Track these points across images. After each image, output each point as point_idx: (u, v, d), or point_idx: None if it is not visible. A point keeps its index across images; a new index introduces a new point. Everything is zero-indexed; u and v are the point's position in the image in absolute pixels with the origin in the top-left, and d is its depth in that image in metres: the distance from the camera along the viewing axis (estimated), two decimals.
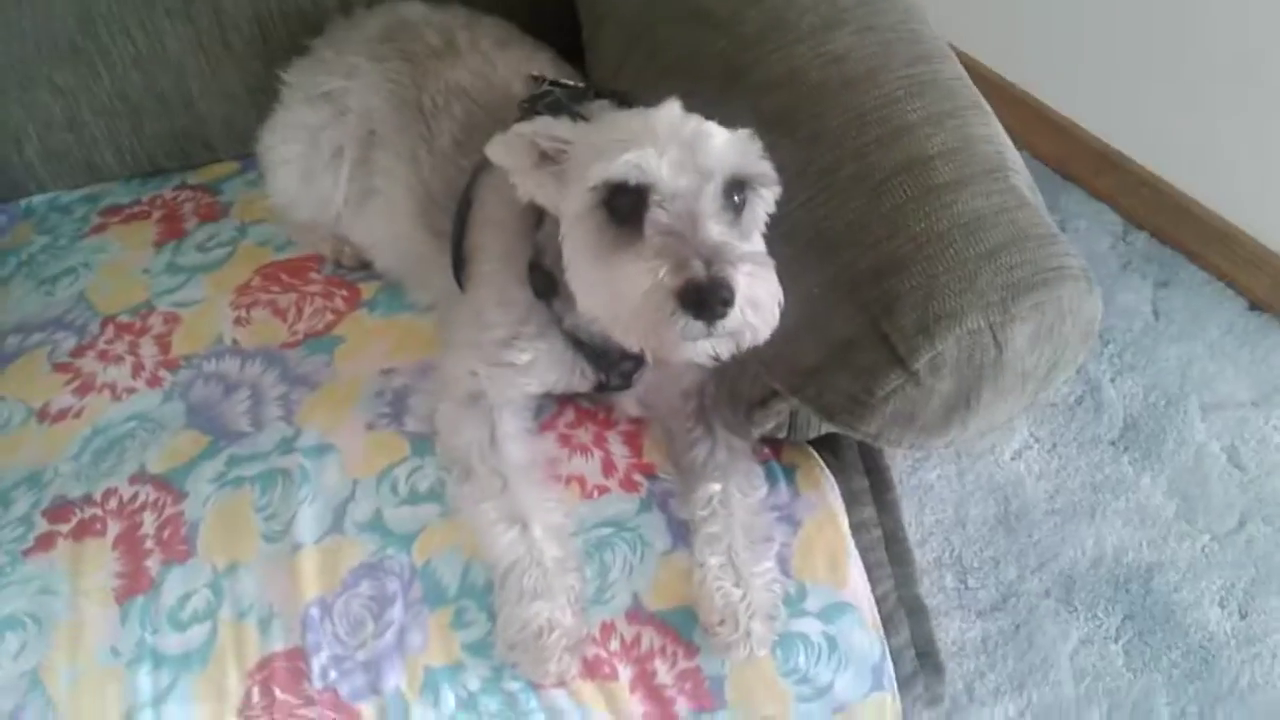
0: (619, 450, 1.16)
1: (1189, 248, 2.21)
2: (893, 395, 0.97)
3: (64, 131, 1.49)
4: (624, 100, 1.14)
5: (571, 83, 1.19)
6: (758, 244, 0.97)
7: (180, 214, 1.48)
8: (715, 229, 0.90)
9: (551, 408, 1.19)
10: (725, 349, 0.91)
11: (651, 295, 0.87)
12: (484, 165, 1.16)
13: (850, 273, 0.99)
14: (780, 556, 1.08)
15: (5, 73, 1.43)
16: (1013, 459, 1.91)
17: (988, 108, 1.10)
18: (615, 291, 0.91)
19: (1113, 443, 1.95)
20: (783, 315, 0.94)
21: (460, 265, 1.20)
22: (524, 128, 1.00)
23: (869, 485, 1.16)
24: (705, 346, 0.90)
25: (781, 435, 1.18)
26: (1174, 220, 2.20)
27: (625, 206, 0.92)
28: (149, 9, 1.42)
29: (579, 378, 1.14)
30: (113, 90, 1.46)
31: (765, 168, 0.96)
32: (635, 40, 1.25)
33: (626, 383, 1.14)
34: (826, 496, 1.12)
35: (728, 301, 0.86)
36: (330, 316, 1.30)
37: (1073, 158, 2.29)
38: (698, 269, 0.86)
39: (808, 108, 1.07)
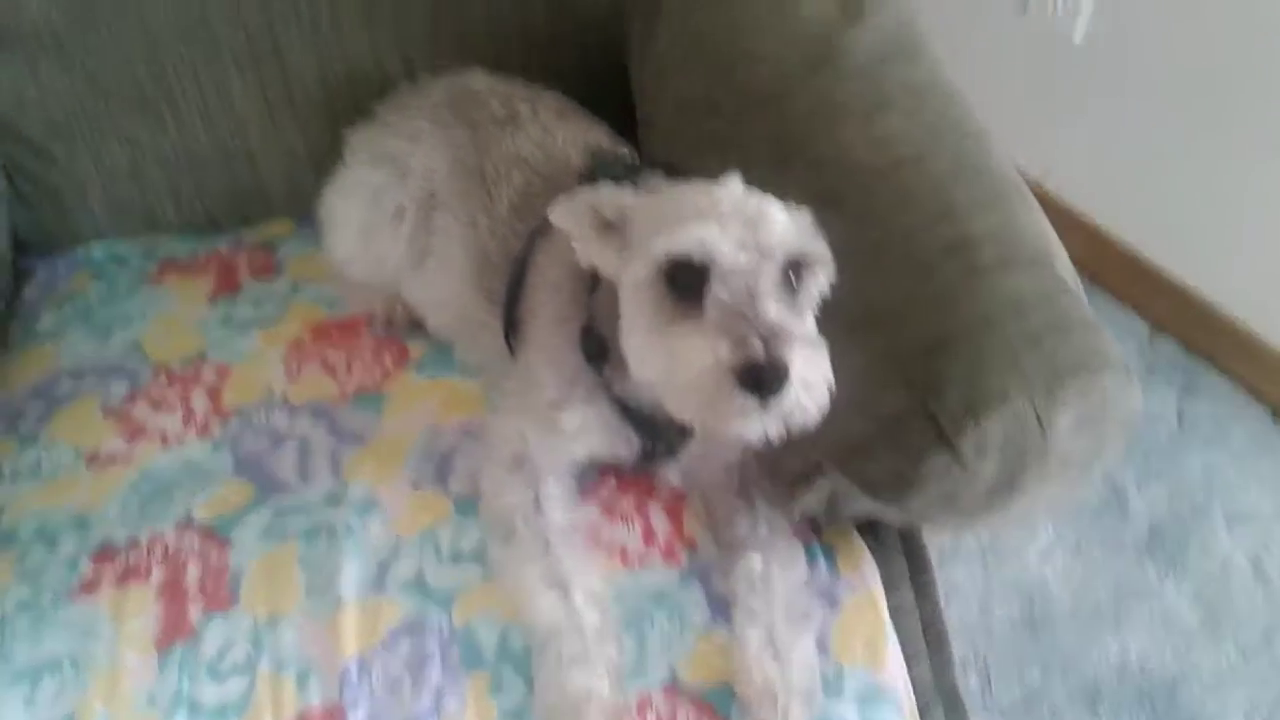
0: (660, 521, 1.16)
1: (1214, 356, 2.21)
2: (938, 474, 0.98)
3: (128, 182, 1.52)
4: (677, 174, 1.17)
5: (628, 155, 1.21)
6: (810, 323, 0.98)
7: (235, 269, 1.51)
8: (773, 308, 0.91)
9: (594, 475, 1.20)
10: (776, 428, 0.92)
11: (710, 371, 0.88)
12: (541, 231, 1.18)
13: (897, 350, 1.00)
14: (819, 636, 1.08)
15: (78, 120, 1.47)
16: (1038, 560, 1.90)
17: (1031, 195, 1.12)
18: (672, 363, 0.92)
19: (1138, 548, 1.93)
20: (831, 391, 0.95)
21: (512, 329, 1.21)
22: (588, 194, 1.03)
23: (908, 568, 1.16)
24: (757, 425, 0.91)
25: (821, 514, 1.19)
26: (1200, 328, 2.21)
27: (686, 280, 0.94)
28: (218, 62, 1.46)
29: (625, 445, 1.15)
30: (178, 142, 1.50)
31: (822, 249, 0.98)
32: (689, 117, 1.28)
33: (671, 453, 1.15)
34: (866, 578, 1.12)
35: (783, 382, 0.87)
36: (379, 374, 1.32)
37: (1100, 262, 2.30)
38: (756, 348, 0.87)
39: (856, 187, 1.10)
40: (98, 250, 1.58)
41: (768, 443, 0.97)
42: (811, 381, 0.90)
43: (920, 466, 0.98)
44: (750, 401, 0.87)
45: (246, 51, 1.48)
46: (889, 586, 1.12)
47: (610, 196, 1.03)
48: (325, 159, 1.44)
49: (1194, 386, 2.18)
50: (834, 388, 0.93)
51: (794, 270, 0.97)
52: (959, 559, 1.89)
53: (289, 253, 1.53)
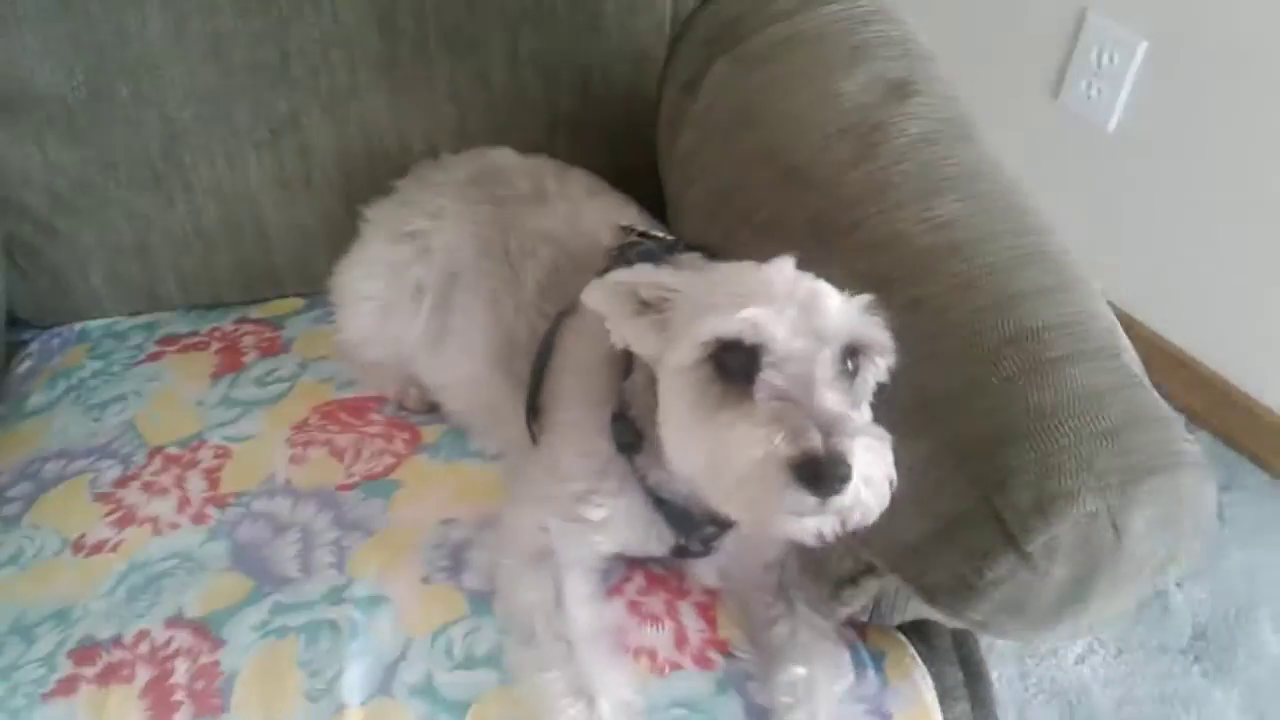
0: (692, 623, 1.07)
1: (1254, 451, 2.15)
2: (1004, 579, 0.89)
3: (132, 258, 1.46)
4: (714, 255, 1.11)
5: (661, 234, 1.15)
6: (867, 414, 0.91)
7: (240, 347, 1.43)
8: (831, 397, 0.84)
9: (620, 571, 1.11)
10: (832, 527, 0.84)
11: (763, 464, 0.81)
12: (568, 311, 1.12)
13: (958, 444, 0.93)
14: None
15: (84, 195, 1.41)
16: (1077, 663, 1.81)
17: (1094, 284, 1.06)
18: (718, 454, 0.85)
19: (1182, 651, 1.84)
20: None
21: (534, 414, 1.14)
22: (625, 274, 0.96)
23: (963, 679, 1.06)
24: (811, 524, 0.84)
25: (864, 618, 1.10)
26: (1239, 422, 2.15)
27: (735, 364, 0.87)
28: (236, 140, 1.40)
29: (656, 540, 1.07)
30: (187, 219, 1.44)
31: (883, 336, 0.91)
32: (726, 198, 1.23)
33: (706, 550, 1.07)
34: (919, 689, 1.03)
35: (845, 478, 0.80)
36: (390, 459, 1.24)
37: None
38: (815, 440, 0.80)
39: (910, 272, 1.03)
40: (95, 326, 1.50)
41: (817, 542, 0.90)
42: (873, 477, 0.83)
43: (985, 570, 0.90)
44: (806, 499, 0.80)
45: (264, 127, 1.42)
46: (943, 698, 1.03)
47: (649, 276, 0.97)
48: (339, 237, 1.38)
49: (1234, 482, 2.11)
50: (895, 483, 0.86)
51: (851, 358, 0.90)
52: (994, 658, 1.79)
53: (297, 330, 1.46)
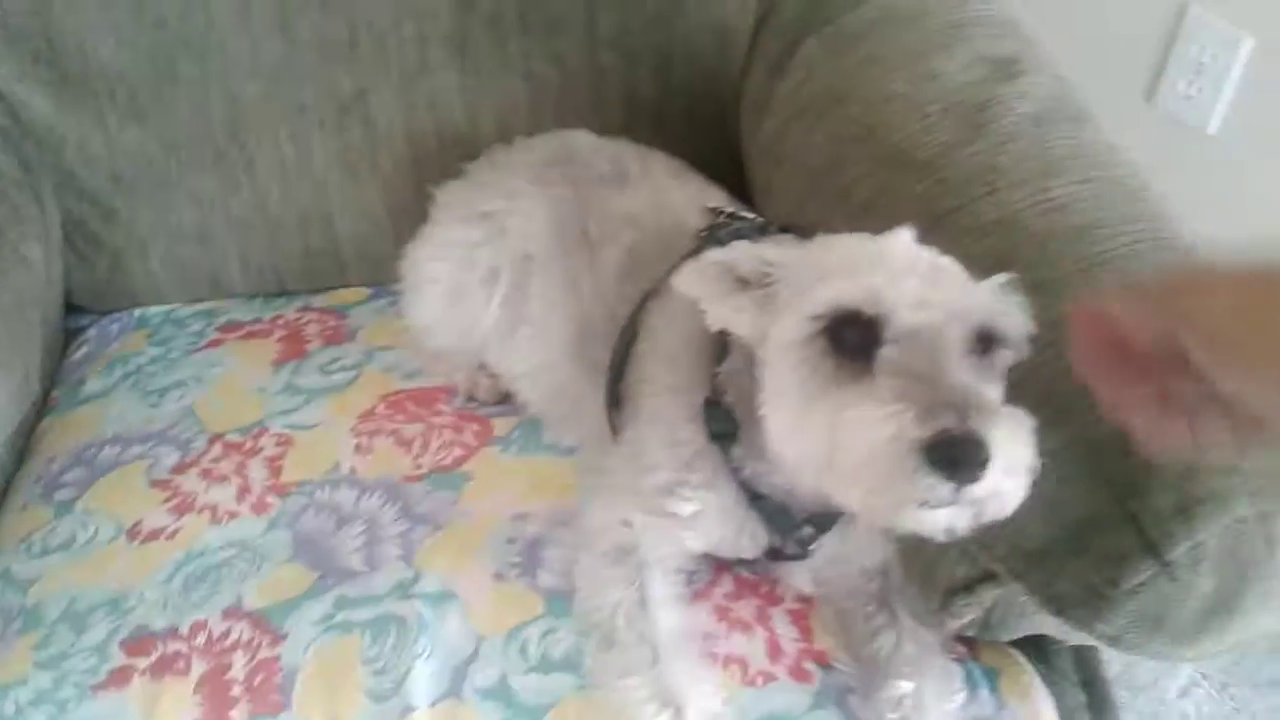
0: (786, 631, 0.99)
1: None
2: (1141, 589, 0.81)
3: (193, 242, 1.41)
4: (809, 237, 1.03)
5: (753, 216, 1.08)
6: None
7: (303, 335, 1.38)
8: (963, 374, 0.76)
9: (706, 575, 1.03)
10: (964, 522, 0.75)
11: (890, 447, 0.72)
12: (654, 294, 1.04)
13: (1089, 441, 0.84)
14: None
15: (145, 176, 1.37)
16: (1179, 696, 1.70)
17: None
18: (836, 437, 0.76)
19: None
20: None
21: (615, 404, 1.07)
22: (724, 251, 0.89)
23: (1086, 701, 0.97)
24: (943, 516, 0.74)
25: (972, 632, 1.01)
26: None
27: (852, 340, 0.78)
28: (301, 118, 1.35)
29: (748, 540, 0.99)
30: (251, 202, 1.39)
31: (1019, 321, 0.81)
32: (819, 181, 1.16)
33: (802, 553, 0.98)
34: (1039, 710, 0.94)
35: (985, 463, 0.71)
36: (459, 451, 1.17)
37: None
38: (950, 420, 0.71)
39: (1027, 255, 0.95)
40: (154, 312, 1.46)
41: (917, 541, 0.81)
42: (1014, 463, 0.74)
43: (1120, 579, 0.81)
44: (940, 486, 0.71)
45: (332, 108, 1.37)
46: None
47: (750, 251, 0.89)
48: (407, 223, 1.32)
49: None
50: (1037, 467, 0.77)
51: (982, 343, 0.80)
52: None
53: (362, 319, 1.40)
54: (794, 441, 0.82)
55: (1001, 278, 0.82)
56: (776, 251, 0.87)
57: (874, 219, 1.05)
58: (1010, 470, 0.73)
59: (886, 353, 0.77)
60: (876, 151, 1.10)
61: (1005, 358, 0.82)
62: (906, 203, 1.05)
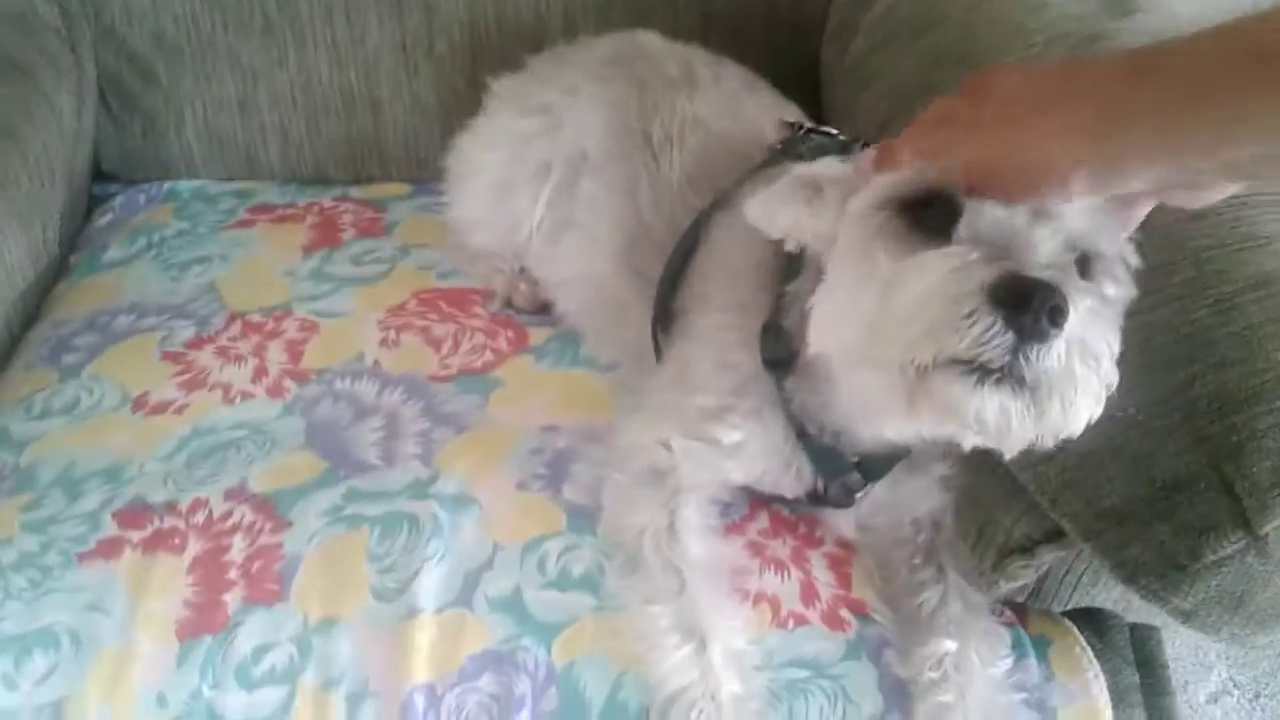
0: (823, 576, 0.92)
1: None
2: (1226, 563, 0.73)
3: (233, 116, 1.35)
4: None
5: (835, 131, 1.00)
6: None
7: (338, 224, 1.31)
8: (1049, 250, 0.67)
9: (743, 509, 0.96)
10: (1019, 417, 0.65)
11: (951, 282, 0.63)
12: (720, 205, 0.97)
13: (1186, 397, 0.76)
14: None
15: (190, 38, 1.31)
16: (1208, 702, 1.63)
17: None
18: (890, 291, 0.67)
19: None
20: (1084, 434, 0.71)
21: (664, 321, 0.99)
22: (810, 167, 0.81)
23: (1140, 682, 0.90)
24: (994, 401, 0.64)
25: (1021, 599, 0.94)
26: None
27: (931, 218, 0.70)
28: None
29: (792, 478, 0.91)
30: (297, 77, 1.33)
31: (1126, 249, 0.73)
32: (907, 104, 1.07)
33: (848, 500, 0.91)
34: (1090, 686, 0.86)
35: (1059, 313, 0.61)
36: (490, 356, 1.10)
37: None
38: (1026, 264, 0.64)
39: None
40: (185, 186, 1.39)
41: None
42: (1095, 350, 0.65)
43: (1204, 550, 0.74)
44: (1000, 336, 0.62)
45: None
46: (1116, 702, 0.87)
47: (833, 166, 0.81)
48: (457, 117, 1.25)
49: None
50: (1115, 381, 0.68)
51: (1081, 267, 0.71)
52: None
53: (400, 214, 1.33)
54: (841, 321, 0.73)
55: (1110, 201, 0.71)
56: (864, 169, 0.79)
57: None
58: (1085, 355, 0.64)
59: (968, 220, 0.68)
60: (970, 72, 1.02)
61: (1108, 290, 0.72)
62: None
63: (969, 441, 0.73)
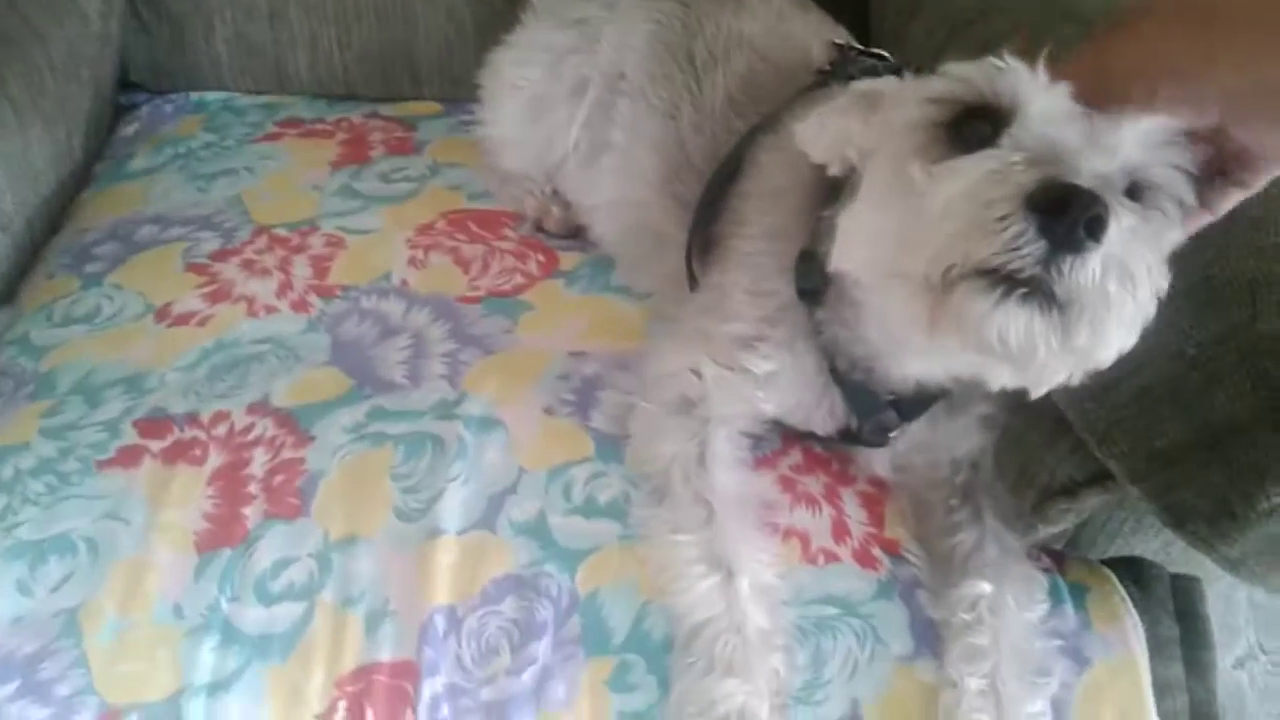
0: (855, 513, 0.89)
1: None
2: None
3: (264, 24, 1.32)
4: None
5: (886, 54, 0.96)
6: None
7: (367, 141, 1.28)
8: (1097, 170, 0.62)
9: (775, 443, 0.94)
10: (1046, 337, 0.61)
11: (986, 184, 0.60)
12: (764, 128, 0.93)
13: (1247, 336, 0.72)
14: (1056, 701, 0.80)
15: None
16: (1235, 667, 1.58)
17: None
18: (920, 201, 0.63)
19: None
20: (1137, 371, 0.68)
21: (701, 249, 0.96)
22: (869, 83, 0.77)
23: (1179, 635, 0.87)
24: (1016, 317, 0.60)
25: (1058, 545, 0.92)
26: None
27: (974, 133, 0.66)
28: None
29: (824, 414, 0.89)
30: None
31: (1180, 180, 0.67)
32: (964, 30, 1.04)
33: (881, 440, 0.88)
34: (1128, 637, 0.84)
35: (1099, 223, 0.57)
36: (520, 279, 1.08)
37: None
38: (1067, 172, 0.59)
39: None
40: (213, 98, 1.36)
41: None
42: (1131, 270, 0.60)
43: (1258, 496, 0.70)
44: (1032, 243, 0.58)
45: None
46: (1155, 653, 0.84)
47: (895, 83, 0.77)
48: (494, 34, 1.21)
49: None
50: (1145, 350, 0.65)
51: (1133, 195, 0.66)
52: None
53: (431, 134, 1.30)
54: (867, 237, 0.70)
55: (1175, 125, 0.65)
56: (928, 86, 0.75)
57: None
58: (1122, 275, 0.60)
59: (1011, 136, 0.64)
60: (1031, 3, 0.98)
61: (1159, 222, 0.67)
62: (1062, 56, 0.93)
63: (995, 376, 0.69)
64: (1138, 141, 0.65)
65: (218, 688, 0.79)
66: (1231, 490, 0.72)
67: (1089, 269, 0.59)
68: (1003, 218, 0.58)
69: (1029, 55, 0.70)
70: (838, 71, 0.94)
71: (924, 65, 0.94)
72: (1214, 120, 0.64)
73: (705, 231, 0.96)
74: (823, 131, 0.77)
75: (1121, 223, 0.59)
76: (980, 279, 0.60)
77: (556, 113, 1.09)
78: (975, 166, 0.61)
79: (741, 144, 0.95)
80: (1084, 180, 0.59)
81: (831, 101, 0.77)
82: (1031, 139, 0.63)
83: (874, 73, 0.91)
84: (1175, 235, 0.69)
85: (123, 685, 0.79)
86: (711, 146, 0.98)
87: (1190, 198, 0.68)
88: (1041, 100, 0.64)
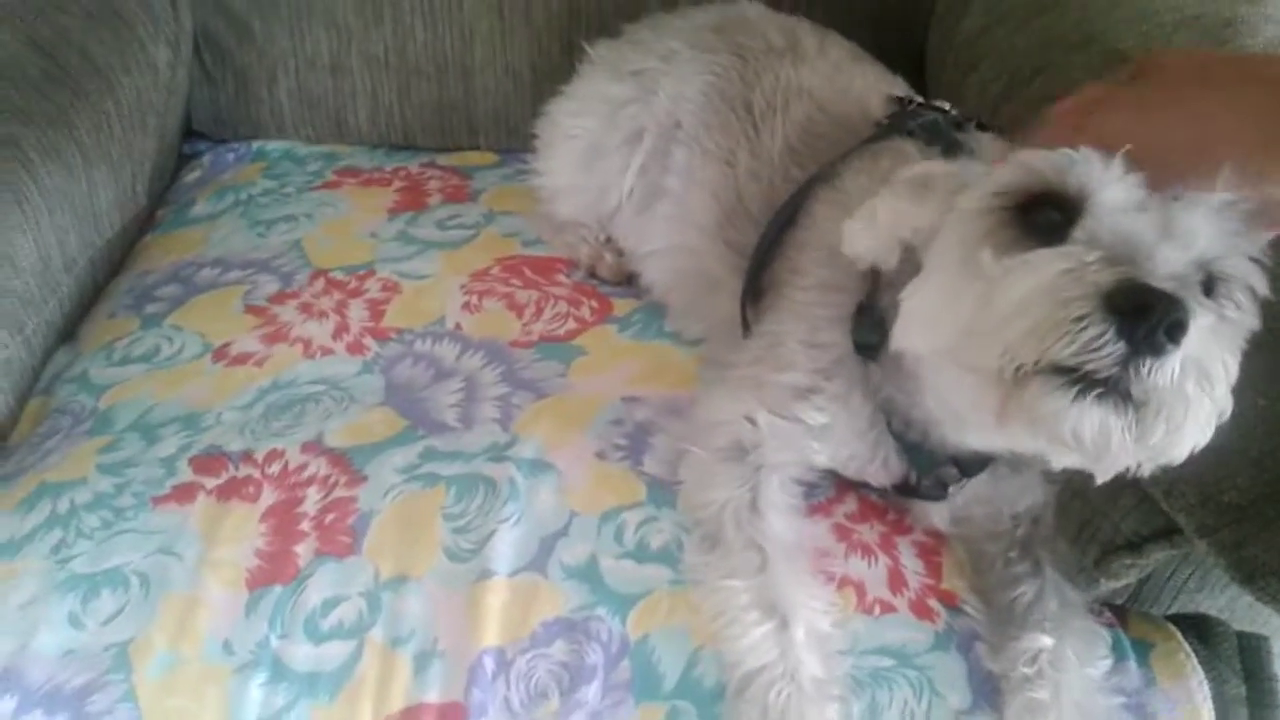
0: (912, 564, 0.88)
1: None
2: None
3: (325, 75, 1.35)
4: (1007, 135, 0.91)
5: (946, 106, 0.96)
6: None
7: (424, 189, 1.30)
8: (1174, 262, 0.62)
9: (830, 490, 0.92)
10: (1120, 433, 0.61)
11: (1063, 282, 0.59)
12: (822, 178, 0.93)
13: None
14: None
15: None
16: None
17: None
18: (991, 291, 0.63)
19: None
20: None
21: (754, 296, 0.96)
22: (920, 169, 0.77)
23: (1246, 694, 0.84)
24: (1092, 416, 0.60)
25: (1121, 601, 0.89)
26: None
27: (1044, 220, 0.66)
28: None
29: (879, 467, 0.87)
30: (391, 40, 1.32)
31: (1255, 278, 0.66)
32: (1021, 86, 1.04)
33: (940, 494, 0.87)
34: (1193, 694, 0.81)
35: (1180, 327, 0.57)
36: (573, 324, 1.08)
37: None
38: (1147, 273, 0.59)
39: None
40: (273, 147, 1.39)
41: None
42: (1209, 370, 0.60)
43: None
44: (1111, 344, 0.58)
45: None
46: (1220, 713, 0.81)
47: (941, 164, 0.78)
48: (550, 86, 1.22)
49: None
50: (1229, 408, 0.64)
51: (1206, 287, 0.65)
52: None
53: (487, 183, 1.31)
54: (933, 321, 0.70)
55: (1240, 201, 0.64)
56: (980, 168, 0.75)
57: None
58: (1201, 376, 0.59)
59: (1084, 228, 0.64)
60: (1093, 58, 0.98)
61: (1230, 313, 0.66)
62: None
63: (1060, 460, 0.69)
64: (1212, 232, 0.64)
65: None
66: None
67: (1167, 371, 0.59)
68: (1080, 318, 0.58)
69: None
70: (896, 124, 0.94)
71: (983, 118, 0.95)
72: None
73: (759, 279, 0.96)
74: (873, 223, 0.77)
75: (1200, 323, 0.59)
76: (1056, 376, 0.60)
77: (611, 160, 1.10)
78: (1050, 263, 0.61)
79: (799, 193, 0.95)
80: (1160, 279, 0.59)
81: (877, 197, 0.77)
82: (1106, 231, 0.63)
83: (935, 126, 0.91)
84: (1251, 323, 0.68)
85: None
86: (768, 194, 0.98)
87: (1263, 287, 0.67)
88: (1112, 190, 0.64)
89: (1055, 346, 0.59)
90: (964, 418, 0.74)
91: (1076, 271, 0.60)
